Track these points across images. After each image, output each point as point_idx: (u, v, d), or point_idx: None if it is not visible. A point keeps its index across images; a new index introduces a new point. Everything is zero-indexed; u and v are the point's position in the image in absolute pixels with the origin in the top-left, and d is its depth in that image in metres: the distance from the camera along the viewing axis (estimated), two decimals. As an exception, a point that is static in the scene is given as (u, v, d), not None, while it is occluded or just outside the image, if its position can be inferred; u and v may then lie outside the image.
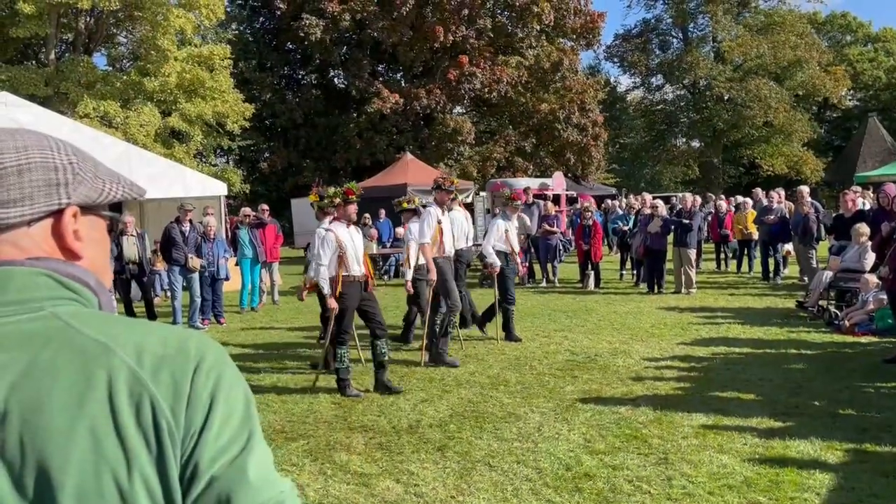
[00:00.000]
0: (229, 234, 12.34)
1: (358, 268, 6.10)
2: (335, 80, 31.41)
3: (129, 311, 10.04)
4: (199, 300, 9.90)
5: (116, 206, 0.97)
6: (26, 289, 0.84)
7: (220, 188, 13.87)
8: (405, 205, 8.45)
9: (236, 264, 11.34)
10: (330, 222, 6.24)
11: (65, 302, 0.86)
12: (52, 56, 21.80)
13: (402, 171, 19.30)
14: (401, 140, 27.16)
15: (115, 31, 24.50)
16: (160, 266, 11.62)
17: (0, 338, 0.82)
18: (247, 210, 12.44)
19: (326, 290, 5.96)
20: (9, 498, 0.78)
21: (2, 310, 0.83)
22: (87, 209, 0.93)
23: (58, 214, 0.89)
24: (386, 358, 6.21)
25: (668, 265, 12.20)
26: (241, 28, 30.14)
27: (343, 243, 5.99)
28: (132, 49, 24.75)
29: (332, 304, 5.98)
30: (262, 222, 11.77)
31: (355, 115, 28.47)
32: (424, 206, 7.84)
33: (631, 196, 18.66)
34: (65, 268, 0.88)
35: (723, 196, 17.09)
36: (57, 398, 0.80)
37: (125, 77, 22.04)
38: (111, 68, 24.76)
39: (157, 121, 21.07)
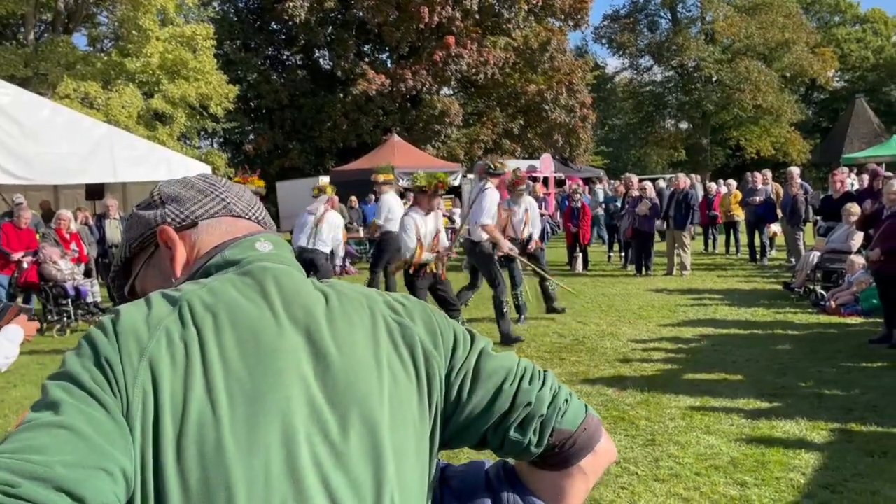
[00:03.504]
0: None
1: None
2: (320, 60, 31.05)
3: (112, 297, 9.91)
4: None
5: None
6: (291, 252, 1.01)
7: (205, 171, 13.70)
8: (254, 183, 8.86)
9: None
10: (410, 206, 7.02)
11: None
12: (31, 36, 21.34)
13: (388, 153, 19.17)
14: (387, 121, 26.91)
15: (94, 10, 24.00)
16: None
17: (295, 287, 0.91)
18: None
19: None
20: (337, 438, 0.81)
21: (285, 267, 0.94)
22: None
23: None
24: None
25: (661, 247, 12.19)
26: (225, 8, 29.67)
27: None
28: (113, 29, 24.29)
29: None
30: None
31: (341, 95, 28.16)
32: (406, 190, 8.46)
33: (611, 181, 18.72)
34: None
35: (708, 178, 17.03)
36: (359, 337, 0.89)
37: (106, 57, 21.63)
38: (91, 48, 24.32)
39: (139, 102, 20.71)
